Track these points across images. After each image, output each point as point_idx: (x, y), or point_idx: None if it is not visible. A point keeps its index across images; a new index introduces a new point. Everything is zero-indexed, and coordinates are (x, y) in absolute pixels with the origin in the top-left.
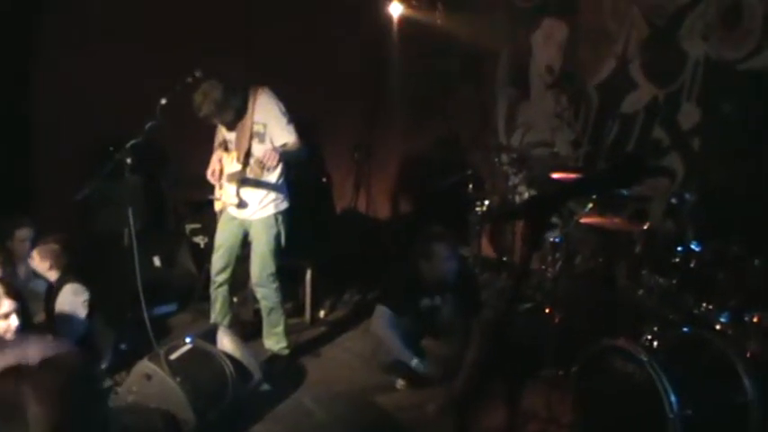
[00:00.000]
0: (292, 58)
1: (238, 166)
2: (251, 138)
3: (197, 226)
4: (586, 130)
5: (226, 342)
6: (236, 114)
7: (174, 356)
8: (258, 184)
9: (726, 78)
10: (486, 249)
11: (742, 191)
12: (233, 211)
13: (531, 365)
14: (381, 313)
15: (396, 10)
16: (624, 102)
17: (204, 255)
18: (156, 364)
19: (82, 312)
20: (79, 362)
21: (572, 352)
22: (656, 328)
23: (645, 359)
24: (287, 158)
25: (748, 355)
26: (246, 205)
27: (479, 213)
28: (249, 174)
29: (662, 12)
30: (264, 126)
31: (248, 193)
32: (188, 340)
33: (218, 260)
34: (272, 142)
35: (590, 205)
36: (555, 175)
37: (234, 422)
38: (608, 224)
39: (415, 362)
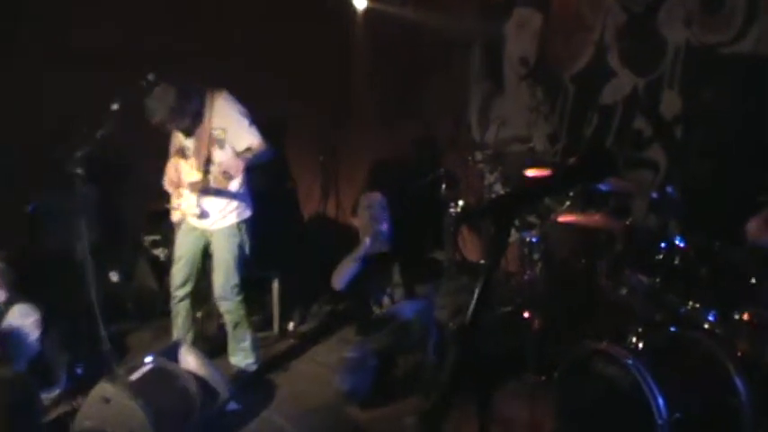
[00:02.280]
0: (251, 57)
1: (198, 175)
2: (210, 144)
3: (156, 238)
4: (563, 122)
5: (189, 359)
6: (193, 120)
7: (134, 377)
8: (219, 192)
9: (708, 65)
10: (471, 254)
11: (726, 182)
12: (193, 221)
13: (512, 371)
14: None
15: (361, 4)
16: (603, 92)
17: (165, 268)
18: (115, 386)
19: (33, 333)
20: (19, 383)
21: (554, 356)
22: (640, 329)
23: (630, 362)
24: (252, 162)
25: (738, 354)
26: (208, 215)
27: (453, 215)
28: (212, 183)
29: None
30: (224, 131)
31: (209, 202)
32: (149, 359)
33: (179, 273)
34: (233, 148)
35: (567, 202)
36: (529, 173)
37: None
38: (587, 221)
39: None
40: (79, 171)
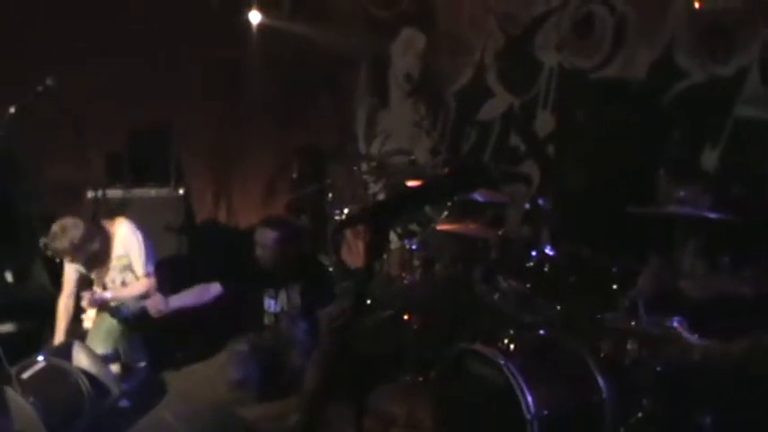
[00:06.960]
0: (141, 57)
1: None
2: (112, 270)
3: None
4: (444, 137)
5: (82, 358)
6: (93, 259)
7: (26, 375)
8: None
9: (579, 87)
10: (355, 260)
11: (595, 195)
12: None
13: (392, 372)
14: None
15: (255, 18)
16: (482, 109)
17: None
18: (8, 385)
19: None
20: None
21: (431, 357)
22: (512, 332)
23: (502, 362)
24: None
25: (602, 355)
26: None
27: (337, 221)
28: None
29: (517, 22)
30: (128, 257)
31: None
32: (41, 358)
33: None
34: (133, 272)
35: (446, 212)
36: (410, 183)
37: None
38: (464, 230)
39: None
40: None
